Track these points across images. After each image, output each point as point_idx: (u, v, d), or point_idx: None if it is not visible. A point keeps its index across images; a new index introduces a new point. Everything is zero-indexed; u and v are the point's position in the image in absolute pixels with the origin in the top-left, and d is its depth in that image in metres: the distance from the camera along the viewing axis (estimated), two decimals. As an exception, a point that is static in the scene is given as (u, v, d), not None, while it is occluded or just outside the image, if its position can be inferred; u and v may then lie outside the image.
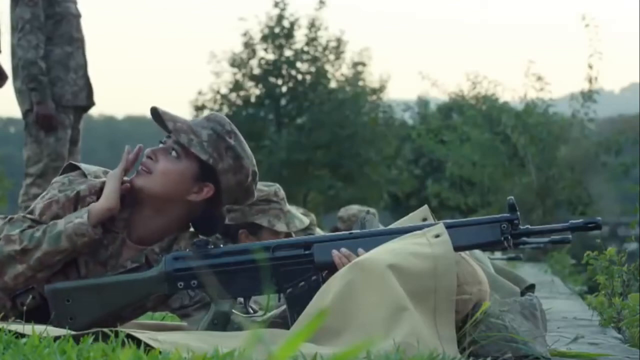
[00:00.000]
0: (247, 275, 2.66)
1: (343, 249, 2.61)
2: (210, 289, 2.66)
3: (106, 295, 2.67)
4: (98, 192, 2.72)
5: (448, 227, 2.54)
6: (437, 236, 2.51)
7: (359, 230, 2.71)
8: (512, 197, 2.63)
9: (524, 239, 2.69)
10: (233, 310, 2.69)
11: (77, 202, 2.71)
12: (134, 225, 2.77)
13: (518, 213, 2.58)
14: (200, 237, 2.77)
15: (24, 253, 2.62)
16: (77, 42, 5.62)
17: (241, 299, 2.70)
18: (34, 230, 2.65)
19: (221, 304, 2.67)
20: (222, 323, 2.65)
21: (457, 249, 2.53)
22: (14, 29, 5.51)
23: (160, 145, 2.72)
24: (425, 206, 2.83)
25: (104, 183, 2.72)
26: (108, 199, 2.67)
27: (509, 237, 2.58)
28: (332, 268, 2.59)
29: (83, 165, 2.83)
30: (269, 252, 2.66)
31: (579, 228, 2.60)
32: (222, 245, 2.75)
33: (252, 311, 2.71)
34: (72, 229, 2.63)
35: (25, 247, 2.62)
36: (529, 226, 2.62)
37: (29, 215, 2.71)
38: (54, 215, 2.70)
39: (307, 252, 2.66)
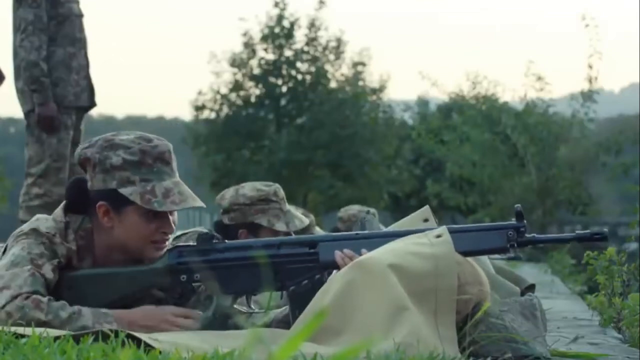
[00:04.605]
0: (251, 271, 2.66)
1: (346, 250, 2.61)
2: (212, 284, 2.66)
3: (108, 285, 2.68)
4: (78, 252, 2.72)
5: (455, 232, 2.54)
6: (438, 236, 2.51)
7: (365, 231, 2.71)
8: (520, 205, 2.63)
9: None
10: (234, 306, 2.69)
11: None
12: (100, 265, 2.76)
13: (525, 221, 2.59)
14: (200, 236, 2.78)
15: (45, 324, 2.54)
16: (79, 42, 5.61)
17: (243, 295, 2.70)
18: (58, 307, 2.58)
19: (222, 298, 2.66)
20: (223, 318, 2.65)
21: (463, 254, 2.53)
22: (17, 29, 5.50)
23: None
24: (427, 207, 2.83)
25: (74, 242, 2.70)
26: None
27: (515, 245, 2.59)
28: (336, 268, 2.59)
29: (40, 226, 2.72)
30: (274, 249, 2.66)
31: (586, 239, 2.61)
32: (226, 241, 2.75)
33: (253, 307, 2.72)
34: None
35: (49, 321, 2.55)
36: (535, 235, 2.62)
37: (42, 273, 2.63)
38: None
39: (312, 250, 2.66)
